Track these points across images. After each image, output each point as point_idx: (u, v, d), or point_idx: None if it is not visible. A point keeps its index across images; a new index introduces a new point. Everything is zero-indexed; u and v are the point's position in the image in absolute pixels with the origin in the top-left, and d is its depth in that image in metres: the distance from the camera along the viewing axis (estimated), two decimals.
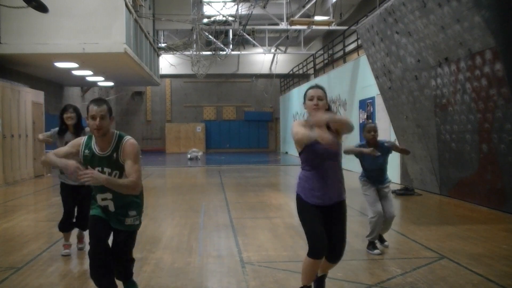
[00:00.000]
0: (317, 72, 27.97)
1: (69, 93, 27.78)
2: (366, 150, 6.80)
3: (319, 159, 4.64)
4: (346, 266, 6.21)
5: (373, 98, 17.01)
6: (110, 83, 27.12)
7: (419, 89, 11.95)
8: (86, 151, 4.53)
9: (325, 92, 4.80)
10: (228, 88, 40.23)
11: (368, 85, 17.30)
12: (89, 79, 23.29)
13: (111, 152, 4.50)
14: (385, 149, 7.19)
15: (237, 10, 26.92)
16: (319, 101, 4.70)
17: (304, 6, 26.87)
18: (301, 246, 7.28)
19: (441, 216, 10.34)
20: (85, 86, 28.80)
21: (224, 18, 27.48)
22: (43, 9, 11.37)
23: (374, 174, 7.24)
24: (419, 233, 8.13)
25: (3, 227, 9.08)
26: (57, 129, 7.02)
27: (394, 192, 12.92)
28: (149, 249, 7.17)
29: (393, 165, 15.34)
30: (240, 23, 27.59)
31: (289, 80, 35.32)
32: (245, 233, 8.27)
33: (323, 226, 4.67)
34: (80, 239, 7.30)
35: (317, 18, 27.30)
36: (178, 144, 39.27)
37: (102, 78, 23.67)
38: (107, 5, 16.00)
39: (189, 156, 29.15)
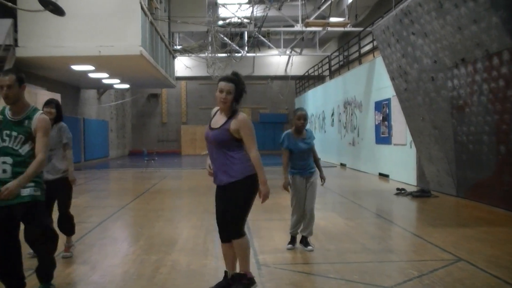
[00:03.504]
0: (332, 74, 27.91)
1: (85, 95, 27.96)
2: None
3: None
4: (362, 268, 6.18)
5: (389, 100, 16.93)
6: (126, 86, 27.28)
7: (435, 91, 11.87)
8: (0, 116, 4.86)
9: (236, 86, 5.06)
10: None
11: (383, 87, 17.23)
12: (105, 81, 23.44)
13: (23, 119, 4.84)
14: (311, 136, 7.31)
15: (252, 12, 26.91)
16: (228, 95, 5.00)
17: (319, 8, 26.82)
18: (317, 248, 7.27)
19: (458, 218, 10.26)
20: (101, 88, 28.99)
21: (239, 20, 27.49)
22: (59, 12, 11.46)
23: (302, 159, 7.24)
24: (435, 235, 8.07)
25: None
26: None
27: (410, 194, 12.86)
28: (165, 251, 7.19)
29: (409, 167, 15.28)
30: (255, 25, 27.60)
31: (305, 81, 35.28)
32: (261, 235, 8.26)
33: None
34: (66, 247, 6.94)
35: (333, 19, 27.19)
36: (194, 146, 39.36)
37: (118, 81, 23.81)
38: (123, 8, 16.09)
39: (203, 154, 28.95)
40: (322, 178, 7.40)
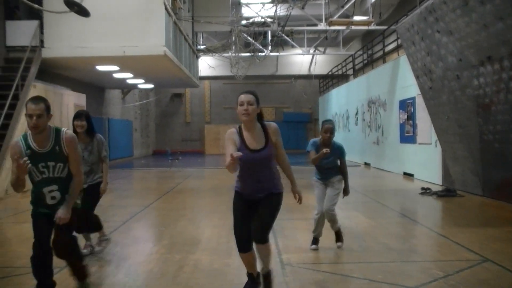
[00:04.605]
0: (356, 73, 27.77)
1: (110, 95, 28.20)
2: (322, 153, 6.81)
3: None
4: (386, 268, 6.14)
5: (413, 98, 16.80)
6: (150, 85, 27.44)
7: (460, 89, 11.73)
8: (28, 151, 4.69)
9: (256, 98, 4.90)
10: (267, 89, 40.17)
11: (408, 85, 17.10)
12: (129, 81, 23.60)
13: (52, 147, 4.74)
14: (336, 151, 7.12)
15: (276, 11, 26.89)
16: (249, 106, 4.83)
17: (343, 6, 26.70)
18: (340, 248, 7.23)
19: (484, 218, 10.13)
20: (125, 88, 29.20)
21: (262, 20, 27.48)
22: (84, 13, 11.56)
23: (324, 172, 7.18)
24: (461, 235, 7.97)
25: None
26: None
27: (435, 193, 12.74)
28: (188, 250, 7.21)
29: (434, 166, 15.14)
30: (278, 24, 27.57)
31: (328, 81, 35.15)
32: (284, 235, 8.24)
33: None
34: (87, 246, 7.07)
35: (356, 18, 27.09)
36: (217, 145, 39.47)
37: (142, 81, 23.96)
38: (147, 8, 16.18)
39: None
40: (346, 191, 7.30)
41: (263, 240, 4.96)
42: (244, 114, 4.82)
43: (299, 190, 5.12)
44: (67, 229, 4.87)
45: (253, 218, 4.98)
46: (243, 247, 5.04)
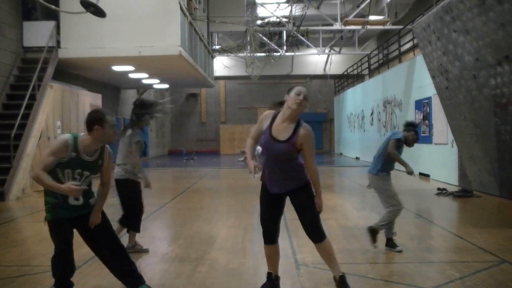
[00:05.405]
0: (372, 73, 27.67)
1: (125, 95, 28.35)
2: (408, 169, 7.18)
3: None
4: (402, 269, 6.12)
5: (429, 98, 16.71)
6: (165, 85, 27.52)
7: (477, 89, 11.64)
8: (74, 154, 4.71)
9: (308, 100, 5.01)
10: (282, 89, 39.91)
11: (424, 85, 17.01)
12: (145, 81, 23.69)
13: (97, 158, 4.85)
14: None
15: (291, 11, 26.85)
16: (304, 100, 4.91)
17: (358, 6, 26.59)
18: (356, 248, 7.22)
19: (501, 218, 10.05)
20: (141, 88, 29.31)
21: (277, 20, 27.47)
22: (100, 14, 11.60)
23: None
24: (478, 236, 7.92)
25: None
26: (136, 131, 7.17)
27: (452, 194, 12.66)
28: (204, 250, 7.23)
29: (450, 166, 15.05)
30: (294, 24, 27.52)
31: (344, 80, 35.06)
32: (300, 235, 8.21)
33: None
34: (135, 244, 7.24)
35: (372, 17, 26.96)
36: (232, 145, 39.52)
37: (157, 81, 24.04)
38: (163, 8, 16.24)
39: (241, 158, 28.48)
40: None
41: (320, 236, 4.99)
42: (297, 103, 4.87)
43: (320, 202, 5.07)
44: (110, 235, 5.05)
45: (301, 222, 5.06)
46: (268, 238, 5.07)
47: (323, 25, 30.01)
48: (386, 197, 7.14)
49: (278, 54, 29.61)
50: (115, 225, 7.20)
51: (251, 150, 5.04)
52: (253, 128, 5.12)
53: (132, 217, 7.10)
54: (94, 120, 4.72)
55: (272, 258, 5.16)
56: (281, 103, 5.09)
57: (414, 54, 19.14)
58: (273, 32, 28.49)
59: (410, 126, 7.36)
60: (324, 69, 35.39)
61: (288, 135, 4.88)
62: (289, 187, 4.99)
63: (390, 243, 7.08)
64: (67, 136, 4.76)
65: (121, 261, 4.98)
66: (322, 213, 5.11)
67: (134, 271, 5.04)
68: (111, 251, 4.98)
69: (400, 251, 6.92)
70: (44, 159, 4.66)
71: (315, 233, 5.00)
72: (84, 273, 6.01)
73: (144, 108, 7.19)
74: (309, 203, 5.01)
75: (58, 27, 16.36)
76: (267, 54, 29.01)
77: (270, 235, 5.08)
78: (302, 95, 4.88)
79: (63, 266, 4.84)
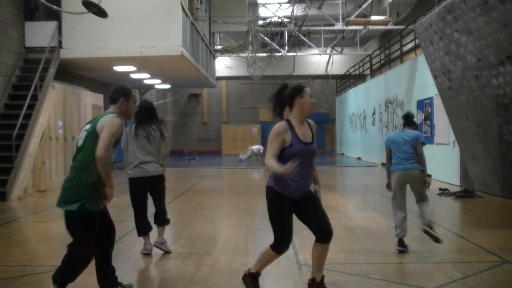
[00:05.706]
0: (373, 73, 27.66)
1: None
2: None
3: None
4: (404, 269, 6.11)
5: (431, 98, 16.69)
6: (167, 86, 27.52)
7: (480, 89, 11.63)
8: (123, 135, 5.16)
9: None
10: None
11: (426, 85, 16.99)
12: (147, 82, 23.70)
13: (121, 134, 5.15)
14: None
15: (293, 11, 26.85)
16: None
17: (360, 6, 26.61)
18: (358, 248, 7.22)
19: (503, 219, 10.04)
20: (142, 88, 29.31)
21: (279, 20, 27.47)
22: (102, 14, 11.60)
23: None
24: (480, 236, 7.91)
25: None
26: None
27: (454, 194, 12.65)
28: (206, 250, 7.23)
29: (452, 166, 15.03)
30: (295, 24, 27.53)
31: (345, 81, 35.06)
32: (302, 235, 8.19)
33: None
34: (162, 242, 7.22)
35: (374, 18, 26.95)
36: (234, 145, 39.49)
37: (159, 81, 24.05)
38: (164, 9, 16.24)
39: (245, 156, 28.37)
40: None
41: (331, 237, 4.99)
42: (312, 107, 4.90)
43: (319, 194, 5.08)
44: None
45: (315, 220, 4.98)
46: (287, 248, 5.02)
47: (325, 25, 30.00)
48: (424, 191, 7.33)
49: (280, 54, 29.63)
50: (118, 226, 7.21)
51: (276, 163, 4.67)
52: (270, 148, 4.78)
53: (164, 211, 7.33)
54: (121, 92, 5.11)
55: (272, 261, 5.15)
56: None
57: (416, 54, 19.13)
58: (275, 32, 28.49)
59: (412, 121, 7.47)
60: (326, 69, 35.38)
61: (311, 134, 4.94)
62: (308, 188, 4.99)
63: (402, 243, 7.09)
64: (114, 115, 5.00)
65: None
66: None
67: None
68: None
69: (401, 251, 6.92)
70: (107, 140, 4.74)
71: (330, 229, 4.94)
72: (86, 273, 6.01)
73: (152, 113, 7.65)
74: (320, 205, 5.01)
75: (60, 27, 16.37)
76: (269, 54, 29.03)
77: (289, 245, 5.02)
78: (312, 98, 4.93)
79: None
